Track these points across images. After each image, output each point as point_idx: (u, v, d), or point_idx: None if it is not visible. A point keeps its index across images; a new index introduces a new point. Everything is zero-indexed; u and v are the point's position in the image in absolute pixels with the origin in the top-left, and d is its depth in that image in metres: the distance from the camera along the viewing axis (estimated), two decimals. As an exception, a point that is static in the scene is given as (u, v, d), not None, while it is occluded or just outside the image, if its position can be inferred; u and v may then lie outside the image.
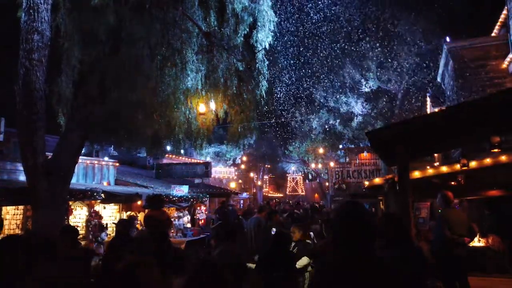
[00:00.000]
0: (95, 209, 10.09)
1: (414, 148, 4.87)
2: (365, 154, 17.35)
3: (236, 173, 27.56)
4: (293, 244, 5.33)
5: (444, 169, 8.20)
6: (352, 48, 19.12)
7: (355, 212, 2.01)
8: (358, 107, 20.08)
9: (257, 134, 13.27)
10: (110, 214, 11.39)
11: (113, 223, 8.05)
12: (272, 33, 8.43)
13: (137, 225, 9.78)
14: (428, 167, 8.78)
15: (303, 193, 40.69)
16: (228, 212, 12.40)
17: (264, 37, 8.26)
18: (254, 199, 29.00)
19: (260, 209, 9.50)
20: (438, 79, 14.77)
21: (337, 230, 2.03)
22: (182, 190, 12.82)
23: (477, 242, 7.92)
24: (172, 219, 12.43)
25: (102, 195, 9.27)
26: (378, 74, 18.61)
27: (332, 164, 18.85)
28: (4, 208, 8.74)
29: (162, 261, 3.95)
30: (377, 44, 18.11)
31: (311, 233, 6.95)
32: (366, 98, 19.77)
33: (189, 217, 12.85)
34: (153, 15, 7.05)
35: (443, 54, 12.13)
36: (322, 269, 2.04)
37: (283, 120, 24.20)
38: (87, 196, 8.93)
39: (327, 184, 23.65)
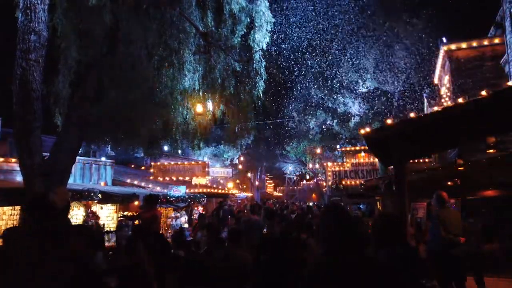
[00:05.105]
0: (92, 209, 10.06)
1: (411, 148, 4.89)
2: (362, 154, 17.38)
3: (234, 173, 27.52)
4: None
5: (441, 169, 8.25)
6: (350, 48, 19.16)
7: (335, 216, 2.06)
8: (355, 107, 20.14)
9: (255, 134, 13.29)
10: (107, 214, 11.37)
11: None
12: (270, 34, 8.45)
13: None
14: (425, 167, 8.82)
15: (301, 193, 40.72)
16: (224, 212, 12.38)
17: (262, 38, 8.29)
18: (251, 199, 28.97)
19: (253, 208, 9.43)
20: (435, 80, 14.83)
21: (323, 232, 2.08)
22: (179, 191, 12.80)
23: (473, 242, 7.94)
24: (169, 219, 12.43)
25: (99, 195, 9.25)
26: (375, 74, 18.67)
27: (329, 164, 18.88)
28: (0, 208, 8.72)
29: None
30: (375, 45, 18.17)
31: None
32: (363, 99, 19.83)
33: (186, 217, 12.84)
34: (150, 15, 7.05)
35: (439, 54, 12.19)
36: (314, 270, 2.06)
37: (280, 120, 24.23)
38: (84, 196, 8.90)
39: (324, 184, 23.67)
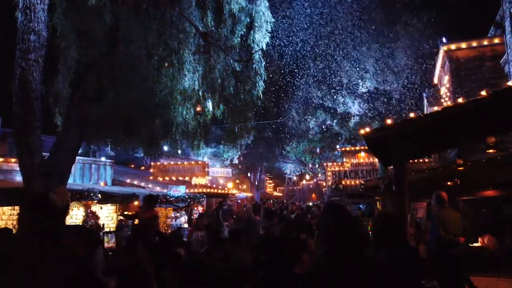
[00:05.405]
0: (91, 209, 10.07)
1: (410, 148, 4.89)
2: (362, 154, 17.38)
3: (234, 173, 27.52)
4: None
5: (440, 169, 8.26)
6: (350, 49, 19.16)
7: (335, 216, 2.06)
8: (355, 107, 20.13)
9: (254, 134, 13.29)
10: (107, 214, 11.38)
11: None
12: (269, 34, 8.44)
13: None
14: (424, 167, 8.83)
15: (300, 193, 40.73)
16: (223, 213, 12.37)
17: (261, 38, 8.28)
18: (251, 199, 28.99)
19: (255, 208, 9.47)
20: (435, 80, 14.83)
21: (323, 232, 2.08)
22: (179, 191, 12.82)
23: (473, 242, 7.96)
24: (169, 219, 12.43)
25: (99, 195, 9.26)
26: (375, 74, 18.67)
27: (329, 164, 18.88)
28: (0, 208, 8.73)
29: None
30: (375, 45, 18.17)
31: None
32: (363, 99, 19.83)
33: (186, 217, 12.84)
34: (150, 15, 7.05)
35: (439, 54, 12.18)
36: (314, 270, 2.06)
37: (280, 120, 24.22)
38: (83, 196, 8.91)
39: (324, 184, 23.68)
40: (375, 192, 11.13)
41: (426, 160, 13.90)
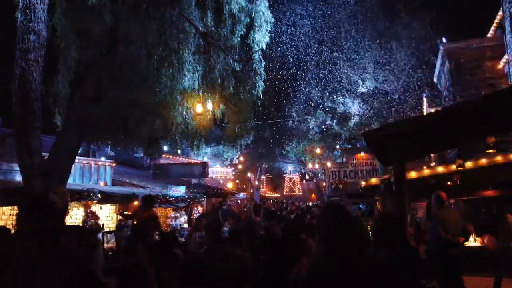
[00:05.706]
0: (91, 209, 10.06)
1: (410, 148, 4.89)
2: (362, 154, 17.38)
3: (233, 173, 27.52)
4: None
5: (440, 169, 8.27)
6: (350, 50, 19.15)
7: (335, 216, 2.07)
8: (355, 107, 20.12)
9: (254, 134, 13.29)
10: (106, 214, 11.37)
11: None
12: (269, 34, 8.45)
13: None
14: (424, 167, 8.83)
15: (300, 193, 40.69)
16: (222, 213, 12.38)
17: (261, 38, 8.28)
18: (251, 199, 28.99)
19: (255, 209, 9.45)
20: (435, 80, 14.85)
21: (323, 232, 2.08)
22: (179, 191, 12.82)
23: (473, 242, 7.96)
24: (169, 219, 12.43)
25: (99, 195, 9.26)
26: (375, 74, 18.67)
27: (329, 164, 18.86)
28: (0, 208, 8.73)
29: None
30: (374, 45, 18.18)
31: None
32: (363, 99, 19.81)
33: (186, 217, 12.84)
34: (150, 15, 7.05)
35: (439, 54, 12.20)
36: (314, 270, 2.06)
37: (280, 120, 24.21)
38: (83, 196, 8.92)
39: (324, 184, 23.68)
40: (375, 192, 11.14)
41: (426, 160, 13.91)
